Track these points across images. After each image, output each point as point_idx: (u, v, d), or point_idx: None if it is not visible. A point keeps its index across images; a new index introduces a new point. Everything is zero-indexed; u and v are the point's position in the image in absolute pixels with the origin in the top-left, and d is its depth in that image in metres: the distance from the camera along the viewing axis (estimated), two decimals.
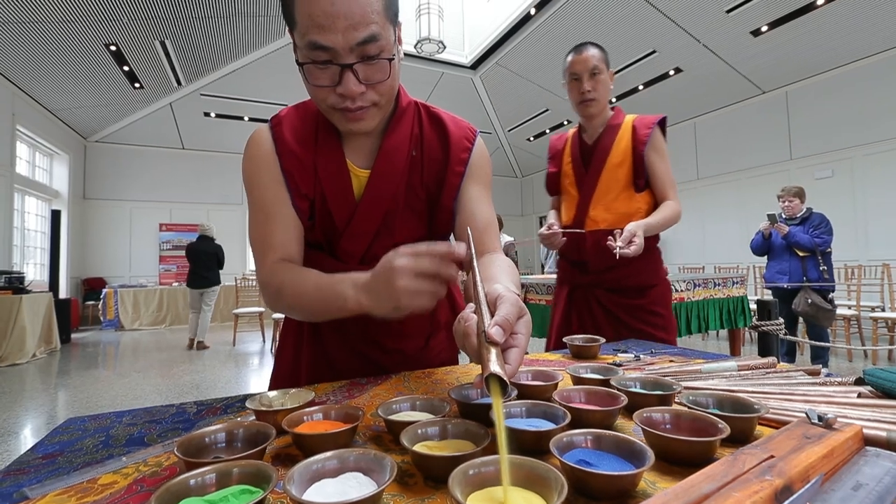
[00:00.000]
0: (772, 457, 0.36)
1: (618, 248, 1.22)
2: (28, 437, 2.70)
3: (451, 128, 0.82)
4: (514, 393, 0.61)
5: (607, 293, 1.48)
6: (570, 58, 1.45)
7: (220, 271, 5.75)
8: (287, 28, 0.67)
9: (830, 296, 3.61)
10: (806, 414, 0.44)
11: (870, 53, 5.25)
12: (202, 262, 5.56)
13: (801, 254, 3.72)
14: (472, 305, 0.52)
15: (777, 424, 0.51)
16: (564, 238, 1.41)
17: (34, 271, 6.86)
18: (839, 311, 4.43)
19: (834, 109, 5.66)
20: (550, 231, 1.41)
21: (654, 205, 1.49)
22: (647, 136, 1.43)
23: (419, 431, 0.47)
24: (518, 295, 0.52)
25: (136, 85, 6.39)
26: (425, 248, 0.55)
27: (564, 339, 1.01)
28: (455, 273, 0.56)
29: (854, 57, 5.35)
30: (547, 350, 1.43)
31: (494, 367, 0.42)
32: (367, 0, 0.61)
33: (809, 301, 3.55)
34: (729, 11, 4.93)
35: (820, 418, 0.42)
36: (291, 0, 0.62)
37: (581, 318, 1.51)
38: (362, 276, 0.62)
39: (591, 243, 1.45)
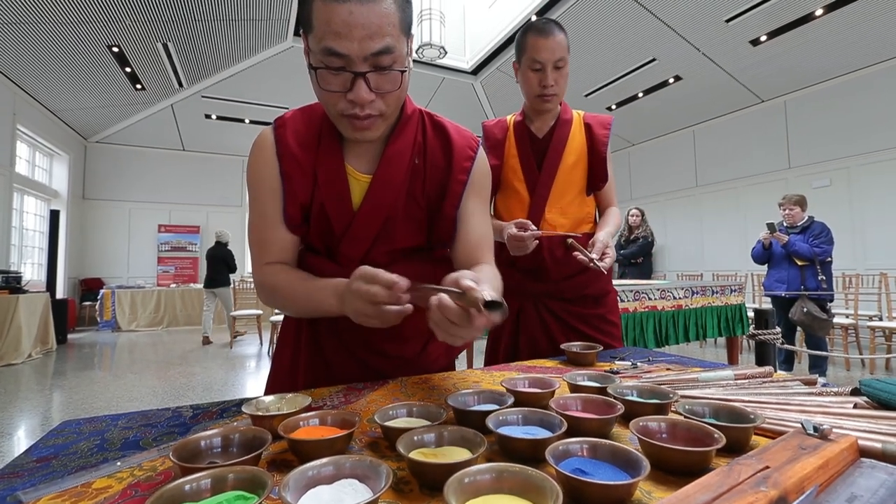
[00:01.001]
0: (767, 467, 0.36)
1: (595, 262, 1.12)
2: (22, 439, 2.68)
3: (455, 137, 0.83)
4: (511, 400, 0.61)
5: (563, 303, 1.34)
6: (531, 39, 1.23)
7: (232, 275, 6.39)
8: (301, 31, 0.68)
9: (828, 305, 3.61)
10: (801, 424, 0.44)
11: (868, 64, 5.29)
12: (214, 265, 6.17)
13: (800, 263, 3.72)
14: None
15: (773, 434, 0.51)
16: (537, 242, 1.22)
17: (32, 271, 6.84)
18: (837, 319, 4.43)
19: (832, 119, 5.70)
20: (529, 232, 1.19)
21: (597, 209, 1.43)
22: (607, 138, 1.32)
23: (415, 438, 0.47)
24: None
25: (138, 86, 6.40)
26: (372, 275, 0.61)
27: (562, 346, 1.01)
28: (403, 303, 0.61)
29: (852, 67, 5.39)
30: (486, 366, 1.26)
31: (486, 294, 0.53)
32: (384, 12, 0.62)
33: (805, 310, 3.55)
34: (728, 21, 4.96)
35: (815, 429, 0.42)
36: (309, 5, 0.63)
37: (532, 332, 1.35)
38: (340, 287, 0.68)
39: (547, 249, 1.32)
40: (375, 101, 0.68)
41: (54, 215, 6.28)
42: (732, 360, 2.85)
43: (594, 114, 1.38)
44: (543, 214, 1.33)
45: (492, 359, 1.42)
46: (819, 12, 4.65)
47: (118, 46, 5.39)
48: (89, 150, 8.00)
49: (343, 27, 0.60)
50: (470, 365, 3.83)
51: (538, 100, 1.29)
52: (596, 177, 1.35)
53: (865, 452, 0.42)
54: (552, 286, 1.34)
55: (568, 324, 1.33)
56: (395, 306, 0.60)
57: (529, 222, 1.22)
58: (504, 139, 1.40)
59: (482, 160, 0.85)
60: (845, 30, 4.84)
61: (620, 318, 1.43)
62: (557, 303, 1.35)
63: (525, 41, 1.25)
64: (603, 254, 1.16)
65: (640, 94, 6.67)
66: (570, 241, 1.22)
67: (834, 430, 0.43)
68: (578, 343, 1.04)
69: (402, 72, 0.67)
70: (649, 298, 2.35)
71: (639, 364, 0.91)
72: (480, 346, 5.25)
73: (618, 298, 1.48)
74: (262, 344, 5.98)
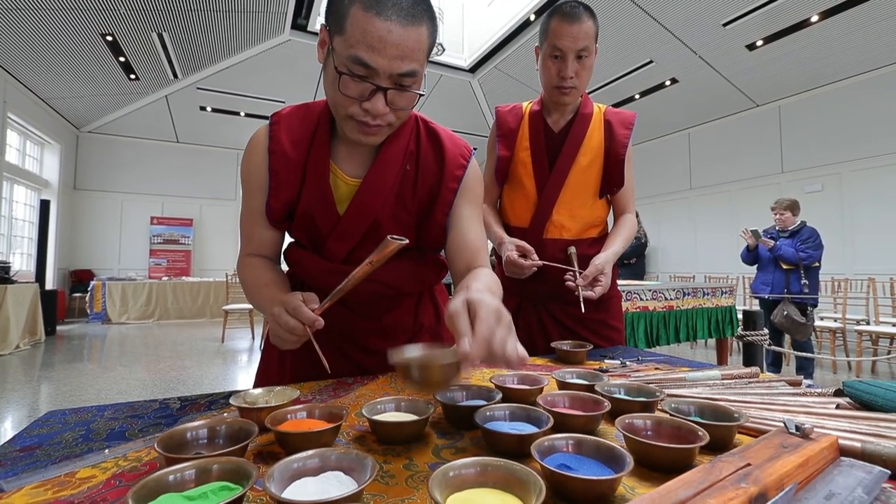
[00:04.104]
0: (748, 465, 0.36)
1: (580, 291, 1.04)
2: (8, 430, 2.65)
3: (448, 144, 0.84)
4: (499, 396, 0.61)
5: (563, 305, 1.26)
6: (554, 23, 1.12)
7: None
8: (326, 26, 0.68)
9: (809, 310, 3.66)
10: (784, 423, 0.44)
11: (862, 71, 5.34)
12: None
13: (785, 267, 3.77)
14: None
15: (756, 433, 0.52)
16: (535, 269, 1.15)
17: (21, 261, 6.75)
18: (825, 323, 4.49)
19: (825, 124, 5.75)
20: (529, 261, 1.12)
21: (609, 213, 1.36)
22: (627, 139, 1.24)
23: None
24: (490, 296, 0.54)
25: (132, 76, 6.33)
26: (295, 308, 0.65)
27: (552, 345, 1.01)
28: (302, 332, 0.66)
29: (846, 74, 5.45)
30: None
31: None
32: (419, 38, 0.64)
33: (785, 313, 3.61)
34: (725, 25, 4.99)
35: (797, 428, 0.43)
36: (346, 9, 0.63)
37: (530, 333, 1.30)
38: (278, 305, 0.69)
39: (550, 253, 1.23)
40: (388, 114, 0.69)
41: (44, 205, 6.19)
42: (722, 362, 2.88)
43: (617, 109, 1.29)
44: (551, 216, 1.25)
45: None
46: (815, 18, 4.69)
47: (112, 35, 5.32)
48: (81, 139, 7.90)
49: (378, 42, 0.61)
50: None
51: (555, 91, 1.19)
52: (611, 181, 1.25)
53: (845, 451, 0.43)
54: (552, 287, 1.25)
55: (567, 327, 1.26)
56: (298, 336, 0.66)
57: (531, 249, 1.15)
58: (517, 129, 1.30)
59: (474, 168, 0.86)
60: (840, 36, 4.89)
61: (624, 323, 1.35)
62: (557, 305, 1.27)
63: (548, 25, 1.15)
64: (595, 280, 1.07)
65: (637, 96, 6.70)
66: (570, 251, 1.15)
67: (815, 429, 0.44)
68: (568, 342, 1.04)
69: (420, 94, 0.69)
70: (641, 299, 2.36)
71: (628, 363, 0.92)
72: None
73: (622, 303, 1.38)
74: (253, 338, 5.96)
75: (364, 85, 0.65)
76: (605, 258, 1.12)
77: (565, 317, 1.27)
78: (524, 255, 1.15)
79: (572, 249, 1.16)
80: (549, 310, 1.28)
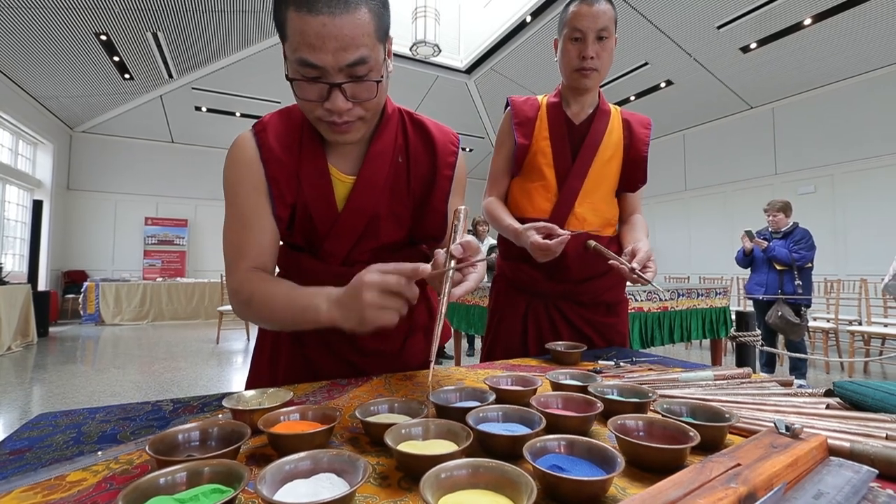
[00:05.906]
0: (738, 465, 0.37)
1: (638, 274, 0.96)
2: None
3: (436, 134, 0.84)
4: (493, 397, 0.61)
5: (577, 307, 1.23)
6: (574, 7, 1.14)
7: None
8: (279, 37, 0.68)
9: (803, 310, 3.70)
10: (774, 424, 0.45)
11: (854, 74, 5.40)
12: None
13: (779, 267, 3.81)
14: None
15: (747, 433, 0.52)
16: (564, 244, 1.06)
17: (13, 262, 6.69)
18: (818, 324, 4.53)
19: (818, 127, 5.81)
20: (556, 240, 1.02)
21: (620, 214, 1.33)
22: (648, 137, 1.25)
23: (402, 431, 0.47)
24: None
25: (126, 76, 6.29)
26: (393, 266, 0.58)
27: (547, 346, 1.01)
28: (416, 293, 0.59)
29: (839, 77, 5.50)
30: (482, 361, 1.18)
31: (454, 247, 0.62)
32: (358, 22, 0.62)
33: (780, 314, 3.65)
34: (720, 27, 5.03)
35: (787, 428, 0.43)
36: (283, 15, 0.62)
37: (540, 333, 1.23)
38: (336, 290, 0.64)
39: (572, 247, 1.16)
40: (353, 108, 0.68)
41: (37, 206, 6.14)
42: (716, 362, 2.90)
43: (631, 111, 1.30)
44: (573, 209, 1.21)
45: (489, 356, 1.34)
46: (808, 22, 4.73)
47: (106, 34, 5.29)
48: (75, 139, 7.84)
49: (317, 39, 0.60)
50: (457, 363, 3.84)
51: (576, 74, 1.16)
52: (635, 177, 1.26)
53: (834, 451, 0.44)
54: (569, 287, 1.22)
55: (577, 328, 1.22)
56: (411, 295, 0.58)
57: (555, 226, 1.06)
58: (535, 118, 1.26)
59: (461, 160, 0.87)
60: (832, 40, 4.94)
61: (628, 328, 1.33)
62: (570, 306, 1.23)
63: (567, 11, 1.16)
64: (645, 267, 0.99)
65: (633, 98, 6.74)
66: (592, 243, 1.08)
67: (805, 429, 0.44)
68: (563, 343, 1.04)
69: (378, 81, 0.67)
70: (636, 300, 2.37)
71: (622, 364, 0.92)
72: (466, 346, 5.26)
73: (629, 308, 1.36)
74: (248, 339, 5.93)
75: (318, 85, 0.65)
76: (648, 244, 1.06)
77: (578, 319, 1.23)
78: (548, 236, 1.06)
79: (592, 243, 1.10)
80: (561, 309, 1.24)
